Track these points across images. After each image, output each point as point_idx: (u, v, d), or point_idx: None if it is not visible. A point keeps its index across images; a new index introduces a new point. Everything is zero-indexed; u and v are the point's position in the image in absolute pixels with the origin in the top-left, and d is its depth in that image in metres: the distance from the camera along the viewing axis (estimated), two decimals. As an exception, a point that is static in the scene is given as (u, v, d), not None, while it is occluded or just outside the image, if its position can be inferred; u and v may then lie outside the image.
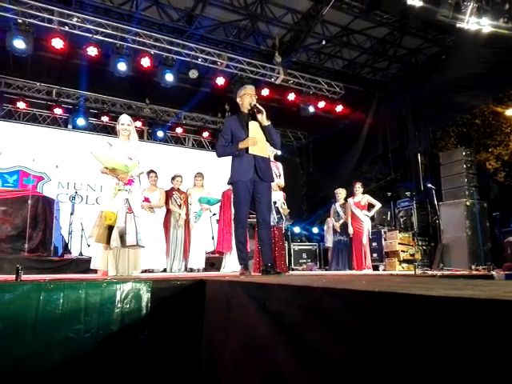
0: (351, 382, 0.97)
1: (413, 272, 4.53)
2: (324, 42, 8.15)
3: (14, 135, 8.77)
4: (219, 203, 6.34)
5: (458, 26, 6.23)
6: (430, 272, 4.99)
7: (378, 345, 0.90)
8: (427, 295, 0.82)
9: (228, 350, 1.67)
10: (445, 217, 6.75)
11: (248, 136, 3.47)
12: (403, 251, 7.03)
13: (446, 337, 0.74)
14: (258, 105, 3.52)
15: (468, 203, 6.45)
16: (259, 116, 3.50)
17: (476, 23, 6.08)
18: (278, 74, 8.51)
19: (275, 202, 4.94)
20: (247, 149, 3.45)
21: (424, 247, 7.30)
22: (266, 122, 3.53)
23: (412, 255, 7.04)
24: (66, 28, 6.84)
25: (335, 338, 1.05)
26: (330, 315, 1.09)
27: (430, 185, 7.30)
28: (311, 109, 9.06)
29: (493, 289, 1.12)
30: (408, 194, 8.12)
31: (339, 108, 9.31)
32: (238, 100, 3.71)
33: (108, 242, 3.42)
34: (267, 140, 3.58)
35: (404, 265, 6.93)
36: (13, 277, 2.26)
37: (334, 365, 1.04)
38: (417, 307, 0.83)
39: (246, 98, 3.60)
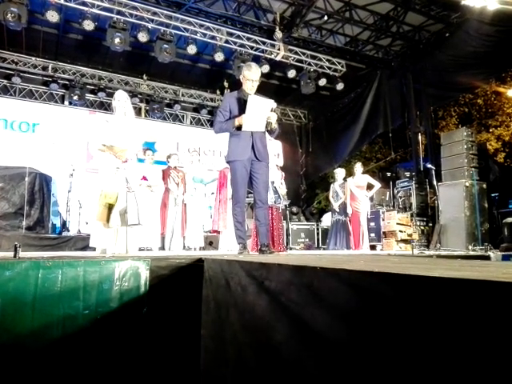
0: (348, 360, 0.98)
1: (410, 252, 4.56)
2: (326, 18, 7.96)
3: (9, 111, 8.65)
4: (215, 182, 6.30)
5: (462, 2, 6.08)
6: (427, 252, 5.02)
7: (376, 325, 0.91)
8: (426, 276, 0.83)
9: (228, 327, 1.68)
10: (444, 197, 6.75)
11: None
12: (401, 231, 7.07)
13: (444, 317, 0.75)
14: (273, 123, 3.45)
15: (467, 184, 6.43)
16: (269, 126, 3.46)
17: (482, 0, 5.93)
18: (279, 50, 8.35)
19: (273, 182, 4.91)
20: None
21: (422, 227, 7.34)
22: (275, 127, 3.51)
23: (410, 235, 7.08)
24: (62, 1, 6.65)
25: (333, 317, 1.05)
26: (328, 295, 1.09)
27: (429, 165, 7.28)
28: (312, 86, 8.91)
29: (490, 270, 1.14)
30: (408, 174, 8.10)
31: (340, 86, 9.15)
32: (241, 77, 3.61)
33: (108, 220, 3.42)
34: (265, 126, 3.51)
35: (401, 245, 6.98)
36: (11, 254, 2.25)
37: (332, 343, 1.04)
38: (416, 288, 0.83)
39: (247, 82, 3.48)
